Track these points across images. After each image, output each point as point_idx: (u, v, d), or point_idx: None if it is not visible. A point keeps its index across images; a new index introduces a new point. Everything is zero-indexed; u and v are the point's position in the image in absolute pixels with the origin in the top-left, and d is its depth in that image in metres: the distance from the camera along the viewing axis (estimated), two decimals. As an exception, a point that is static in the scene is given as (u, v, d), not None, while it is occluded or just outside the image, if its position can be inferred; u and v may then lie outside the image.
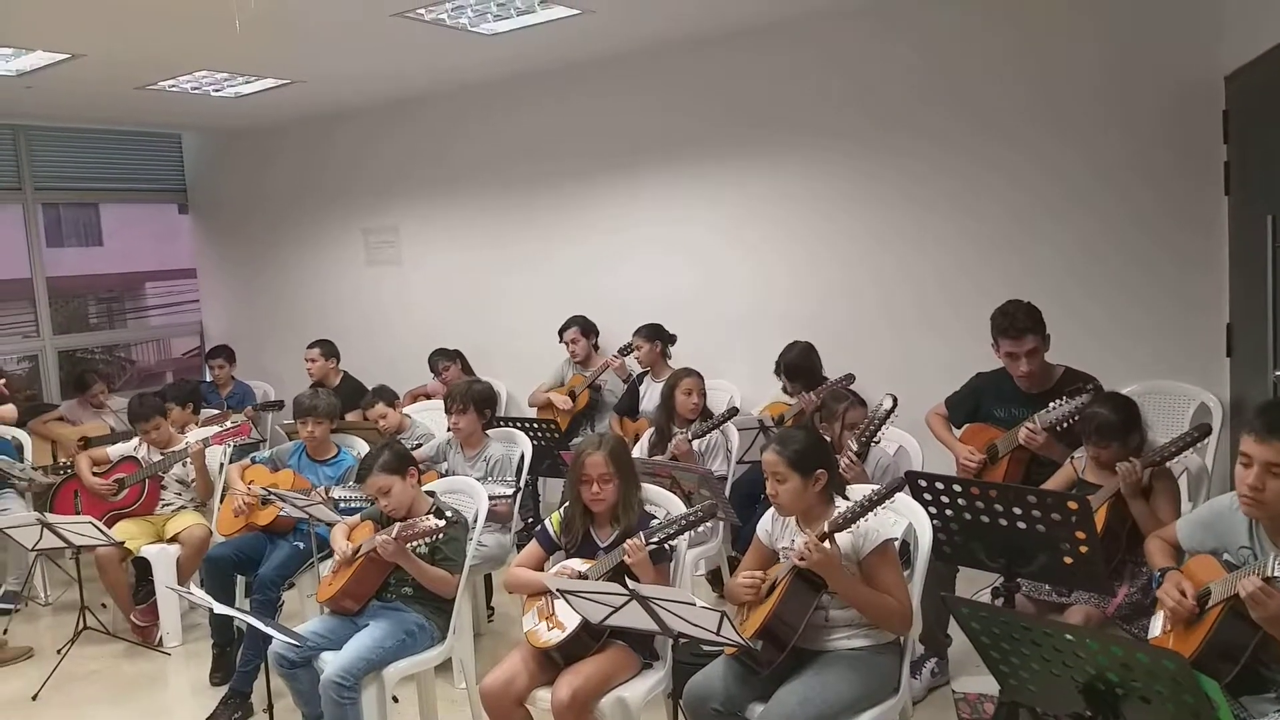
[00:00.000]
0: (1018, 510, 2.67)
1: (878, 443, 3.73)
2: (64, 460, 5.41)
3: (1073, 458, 3.29)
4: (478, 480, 4.00)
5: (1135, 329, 4.53)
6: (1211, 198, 4.28)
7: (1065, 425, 3.33)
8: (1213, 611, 2.22)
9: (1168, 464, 3.00)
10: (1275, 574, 2.07)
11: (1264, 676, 2.25)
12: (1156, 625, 2.41)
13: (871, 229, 5.21)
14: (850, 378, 4.78)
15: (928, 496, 2.84)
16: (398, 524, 3.21)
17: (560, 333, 5.89)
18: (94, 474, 4.71)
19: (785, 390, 5.08)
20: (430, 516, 3.23)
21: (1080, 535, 2.59)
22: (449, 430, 4.49)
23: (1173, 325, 4.47)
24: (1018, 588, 2.89)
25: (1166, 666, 1.83)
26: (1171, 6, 4.29)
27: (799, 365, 4.82)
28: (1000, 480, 3.49)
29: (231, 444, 4.83)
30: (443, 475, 4.19)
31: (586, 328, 5.87)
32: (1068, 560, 2.65)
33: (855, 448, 3.62)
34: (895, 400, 3.67)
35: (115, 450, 4.84)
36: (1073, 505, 2.60)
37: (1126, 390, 3.50)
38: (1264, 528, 2.29)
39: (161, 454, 4.72)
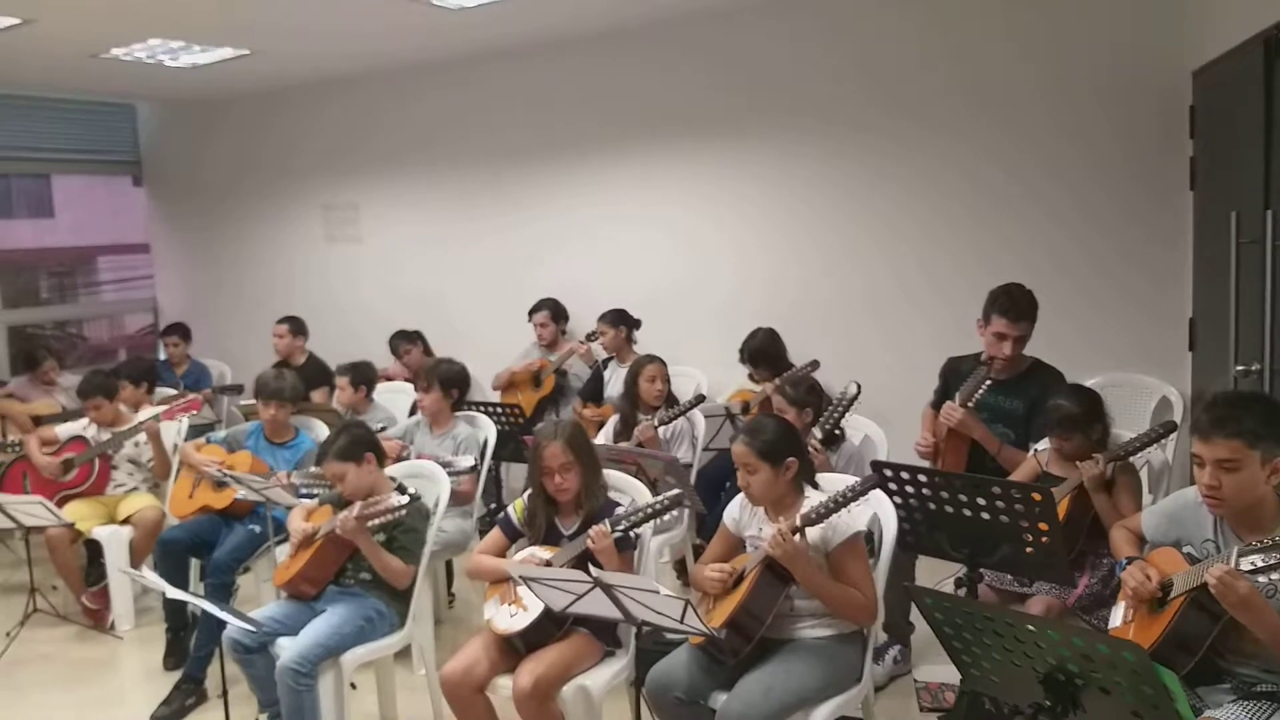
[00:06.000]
0: (982, 501, 2.69)
1: (839, 433, 3.72)
2: (12, 439, 5.28)
3: (1035, 450, 3.32)
4: (448, 458, 3.97)
5: (1099, 323, 4.57)
6: (1177, 193, 4.32)
7: (974, 400, 3.46)
8: (1174, 604, 2.25)
9: (1130, 458, 3.04)
10: (1238, 567, 2.09)
11: (1220, 668, 2.29)
12: (1117, 616, 2.44)
13: (834, 223, 5.22)
14: (815, 364, 4.79)
15: (893, 486, 2.84)
16: (359, 502, 3.17)
17: (530, 314, 5.84)
18: (43, 454, 4.60)
19: (751, 377, 5.08)
20: (393, 495, 3.18)
21: (1043, 526, 2.61)
22: (413, 410, 4.44)
23: (1136, 320, 4.52)
24: (981, 578, 2.91)
25: (1126, 658, 1.84)
26: (1143, 3, 4.31)
27: (763, 351, 4.85)
28: (944, 463, 3.54)
29: (184, 420, 4.73)
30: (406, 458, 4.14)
31: (557, 312, 5.82)
32: (1029, 551, 2.67)
33: (820, 435, 3.62)
34: (859, 387, 3.67)
35: (64, 429, 4.73)
36: (1036, 496, 2.61)
37: (1090, 383, 3.53)
38: (1228, 522, 2.32)
39: (111, 433, 4.61)
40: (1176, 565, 2.35)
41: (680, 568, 4.65)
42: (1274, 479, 2.20)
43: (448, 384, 4.33)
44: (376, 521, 3.15)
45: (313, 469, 4.00)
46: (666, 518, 2.91)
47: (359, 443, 3.35)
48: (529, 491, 3.11)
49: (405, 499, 3.14)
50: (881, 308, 5.11)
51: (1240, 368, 3.24)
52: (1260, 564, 2.06)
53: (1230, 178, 3.66)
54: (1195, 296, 4.30)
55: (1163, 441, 3.09)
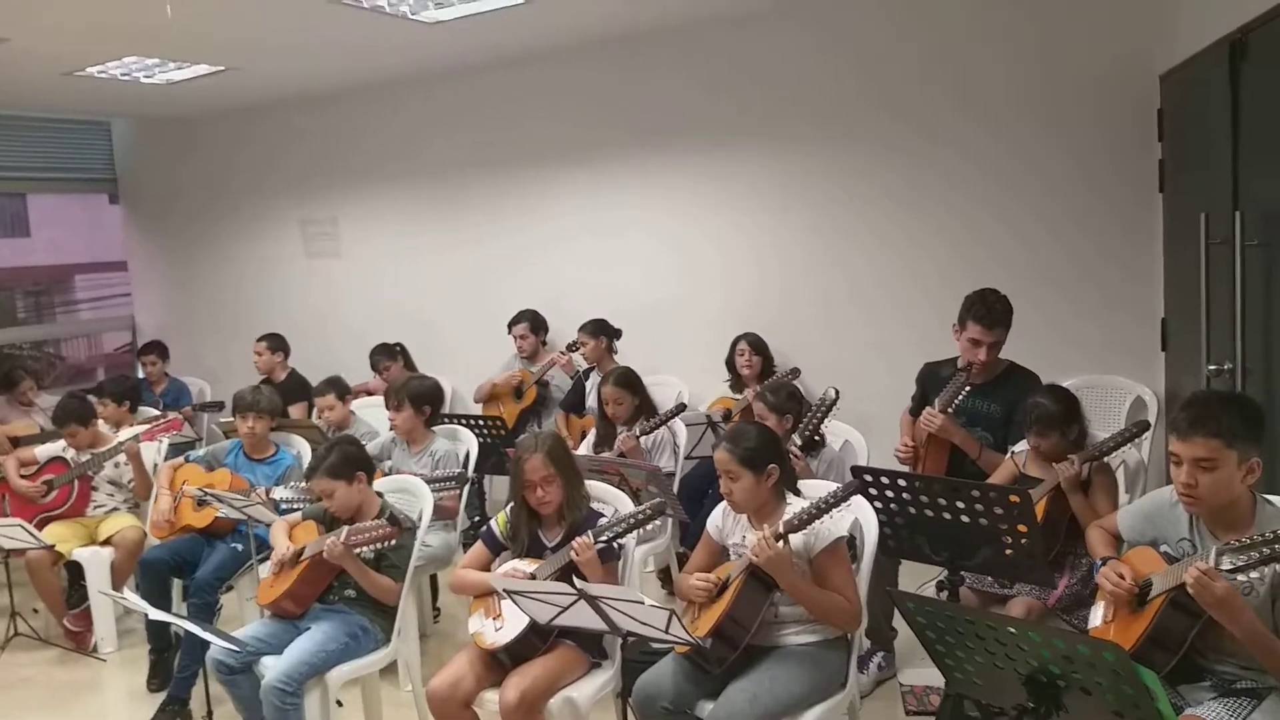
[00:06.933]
0: (961, 504, 2.71)
1: (819, 438, 3.74)
2: (-11, 461, 5.23)
3: (1013, 452, 3.35)
4: (424, 475, 3.94)
5: (1073, 325, 4.61)
6: (1146, 195, 4.37)
7: (953, 406, 3.47)
8: (1154, 604, 2.27)
9: (1106, 459, 3.07)
10: (1218, 567, 2.11)
11: (1200, 666, 2.31)
12: (1096, 615, 2.46)
13: (817, 227, 5.24)
14: (795, 372, 4.83)
15: (873, 491, 2.86)
16: (346, 527, 3.15)
17: (509, 326, 5.84)
18: (21, 476, 4.56)
19: (730, 386, 5.11)
20: (384, 522, 3.15)
21: (1022, 528, 2.63)
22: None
23: (1109, 321, 4.56)
24: (962, 580, 2.93)
25: (1106, 658, 1.86)
26: (1110, 8, 4.36)
27: (759, 345, 4.98)
28: (925, 468, 3.56)
29: (164, 440, 4.70)
30: (386, 474, 4.12)
31: (536, 323, 5.82)
32: (1009, 553, 2.69)
33: (800, 441, 3.64)
34: (838, 392, 3.69)
35: (43, 451, 4.69)
36: (1014, 499, 2.63)
37: (1066, 384, 3.56)
38: (1204, 521, 2.35)
39: (90, 454, 4.58)
40: (1154, 564, 2.38)
41: (665, 577, 4.66)
42: (1249, 479, 2.23)
43: (418, 401, 4.28)
44: (365, 549, 3.13)
45: (298, 484, 3.99)
46: (650, 527, 2.93)
47: (350, 461, 3.32)
48: (511, 504, 3.11)
49: (395, 528, 3.12)
50: (865, 313, 5.13)
51: (1212, 367, 3.28)
52: (1239, 563, 2.08)
53: (1199, 180, 3.71)
54: (1167, 297, 4.35)
55: (1138, 441, 3.12)
